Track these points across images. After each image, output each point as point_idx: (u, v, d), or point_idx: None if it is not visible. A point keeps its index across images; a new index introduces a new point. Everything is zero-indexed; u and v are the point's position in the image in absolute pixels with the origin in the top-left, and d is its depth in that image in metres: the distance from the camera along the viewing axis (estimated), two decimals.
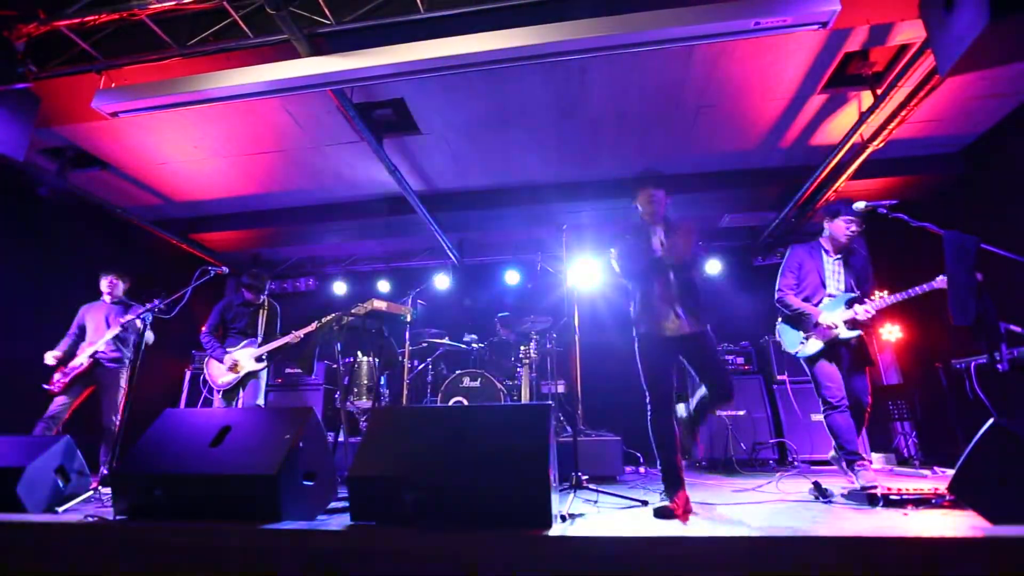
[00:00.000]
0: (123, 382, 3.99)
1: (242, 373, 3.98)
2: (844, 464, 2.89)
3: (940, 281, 2.87)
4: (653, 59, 3.57)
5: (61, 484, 2.48)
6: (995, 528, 1.65)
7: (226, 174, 5.02)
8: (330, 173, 5.05)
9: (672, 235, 2.63)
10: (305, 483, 2.08)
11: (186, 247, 5.93)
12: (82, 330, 4.05)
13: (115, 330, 3.93)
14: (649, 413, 2.51)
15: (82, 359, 3.85)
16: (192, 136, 4.40)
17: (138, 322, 3.61)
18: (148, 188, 5.20)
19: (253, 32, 3.12)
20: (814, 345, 3.00)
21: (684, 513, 2.21)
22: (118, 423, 3.81)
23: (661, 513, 2.18)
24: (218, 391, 4.04)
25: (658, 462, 2.47)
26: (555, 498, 1.88)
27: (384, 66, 2.95)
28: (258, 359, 4.02)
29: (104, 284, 4.13)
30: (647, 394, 2.56)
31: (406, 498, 1.78)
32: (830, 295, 3.08)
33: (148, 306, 3.52)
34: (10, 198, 4.52)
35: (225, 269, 3.71)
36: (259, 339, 4.12)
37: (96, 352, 3.88)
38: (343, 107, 3.61)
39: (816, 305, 3.08)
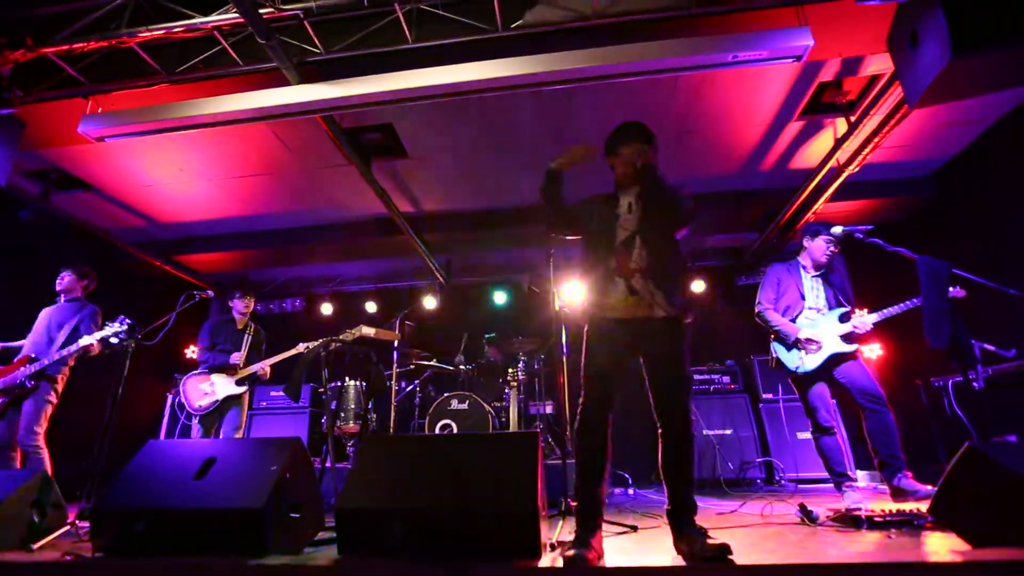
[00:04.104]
0: (52, 394, 3.39)
1: (220, 397, 3.86)
2: (836, 485, 2.95)
3: None
4: (638, 86, 3.67)
5: (36, 519, 2.40)
6: (975, 552, 1.68)
7: (213, 196, 5.00)
8: (318, 195, 5.06)
9: (652, 195, 2.12)
10: (292, 515, 2.05)
11: (171, 269, 5.86)
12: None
13: (72, 350, 3.35)
14: (576, 421, 2.02)
15: (22, 375, 3.31)
16: (179, 159, 4.40)
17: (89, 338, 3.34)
18: (133, 210, 5.16)
19: (243, 60, 3.15)
20: (814, 360, 3.02)
21: (598, 559, 1.79)
22: (39, 440, 3.27)
23: (574, 561, 1.67)
24: (195, 415, 3.89)
25: (576, 490, 1.98)
26: (544, 526, 1.88)
27: (372, 94, 3.00)
28: (238, 382, 3.91)
29: (58, 286, 3.65)
30: (581, 392, 2.03)
31: (395, 530, 1.77)
32: (811, 308, 3.14)
33: (111, 329, 3.31)
34: None
35: (210, 293, 3.68)
36: (240, 362, 4.02)
37: (40, 365, 3.34)
38: (332, 132, 3.65)
39: (795, 319, 3.14)
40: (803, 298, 3.16)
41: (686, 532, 1.88)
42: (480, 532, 1.75)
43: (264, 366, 3.97)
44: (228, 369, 3.93)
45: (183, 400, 3.96)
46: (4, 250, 4.57)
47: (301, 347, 4.08)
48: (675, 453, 1.97)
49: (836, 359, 3.01)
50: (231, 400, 3.90)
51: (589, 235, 2.22)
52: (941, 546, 1.85)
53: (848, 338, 3.01)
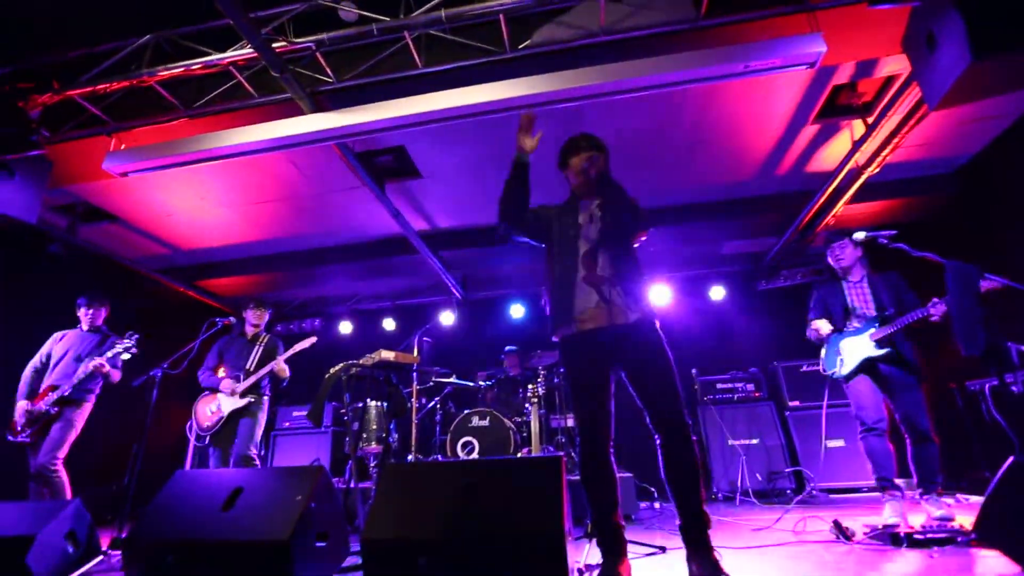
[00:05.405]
0: (79, 419, 3.45)
1: (226, 412, 3.71)
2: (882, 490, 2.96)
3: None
4: (648, 99, 3.64)
5: (71, 549, 2.45)
6: None
7: (232, 223, 5.11)
8: (334, 218, 5.13)
9: (611, 205, 2.10)
10: (318, 544, 2.06)
11: (193, 294, 5.99)
12: (47, 361, 3.59)
13: (81, 374, 3.43)
14: (578, 458, 2.03)
15: (45, 403, 3.38)
16: (198, 189, 4.50)
17: (105, 363, 3.41)
18: (155, 238, 5.29)
19: (258, 92, 3.23)
20: (847, 365, 3.09)
21: None
22: (58, 465, 3.31)
23: None
24: (205, 435, 3.75)
25: (589, 521, 2.03)
26: (571, 549, 1.85)
27: (384, 120, 3.04)
28: (242, 394, 3.73)
29: (83, 316, 3.74)
30: (576, 430, 2.03)
31: (421, 562, 1.76)
32: (857, 315, 3.17)
33: (121, 346, 3.43)
34: (17, 253, 4.59)
35: (232, 319, 3.73)
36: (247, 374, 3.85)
37: (60, 392, 3.40)
38: (345, 157, 3.70)
39: (844, 328, 3.20)
40: (846, 306, 3.22)
41: (700, 553, 1.79)
42: (507, 561, 1.73)
43: (274, 366, 3.80)
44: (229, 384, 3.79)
45: (194, 422, 3.84)
46: (36, 284, 4.72)
47: (307, 343, 4.02)
48: (676, 461, 1.89)
49: (872, 363, 3.03)
50: (240, 412, 3.72)
51: (551, 245, 2.21)
52: (988, 568, 1.77)
53: (881, 342, 3.00)
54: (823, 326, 3.25)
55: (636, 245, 2.18)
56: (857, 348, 3.08)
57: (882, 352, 3.00)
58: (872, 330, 3.03)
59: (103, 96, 3.33)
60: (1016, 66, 2.16)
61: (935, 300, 2.89)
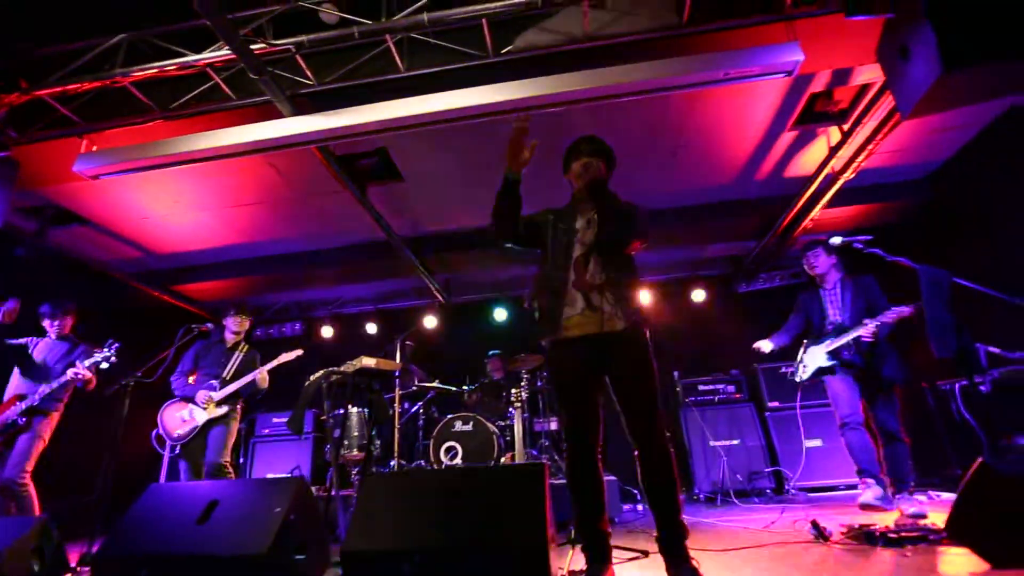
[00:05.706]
0: (47, 430, 3.34)
1: (200, 421, 3.58)
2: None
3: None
4: (630, 105, 3.66)
5: (36, 567, 2.36)
6: (995, 573, 1.65)
7: (208, 226, 5.00)
8: (315, 221, 5.06)
9: (607, 211, 2.08)
10: (297, 557, 2.02)
11: (169, 299, 5.84)
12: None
13: (53, 383, 3.32)
14: (565, 464, 2.05)
15: (12, 412, 3.25)
16: (173, 191, 4.40)
17: (83, 370, 3.29)
18: (129, 242, 5.14)
19: (236, 94, 3.16)
20: (808, 370, 3.37)
21: None
22: (27, 479, 3.19)
23: None
24: (175, 445, 3.61)
25: (573, 527, 2.05)
26: (554, 556, 1.85)
27: (365, 124, 3.01)
28: (219, 404, 3.62)
29: (48, 326, 3.59)
30: (562, 437, 2.13)
31: (403, 572, 1.73)
32: (831, 321, 3.36)
33: (100, 355, 3.32)
34: None
35: (210, 326, 3.64)
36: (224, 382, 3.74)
37: (28, 402, 3.28)
38: (326, 160, 3.65)
39: (823, 332, 3.40)
40: (823, 313, 3.42)
41: (678, 563, 1.82)
42: (490, 570, 1.72)
43: (257, 375, 3.70)
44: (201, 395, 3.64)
45: (161, 431, 3.68)
46: (4, 289, 4.54)
47: (292, 355, 3.94)
48: (655, 474, 1.92)
49: (831, 368, 3.27)
50: (213, 421, 3.61)
51: (545, 250, 2.19)
52: (959, 566, 1.81)
53: (833, 353, 3.24)
54: (763, 346, 3.65)
55: (632, 253, 2.17)
56: (815, 356, 3.31)
57: (832, 363, 3.24)
58: (829, 340, 3.19)
59: (74, 96, 3.22)
60: (984, 78, 2.23)
61: (866, 321, 3.09)
